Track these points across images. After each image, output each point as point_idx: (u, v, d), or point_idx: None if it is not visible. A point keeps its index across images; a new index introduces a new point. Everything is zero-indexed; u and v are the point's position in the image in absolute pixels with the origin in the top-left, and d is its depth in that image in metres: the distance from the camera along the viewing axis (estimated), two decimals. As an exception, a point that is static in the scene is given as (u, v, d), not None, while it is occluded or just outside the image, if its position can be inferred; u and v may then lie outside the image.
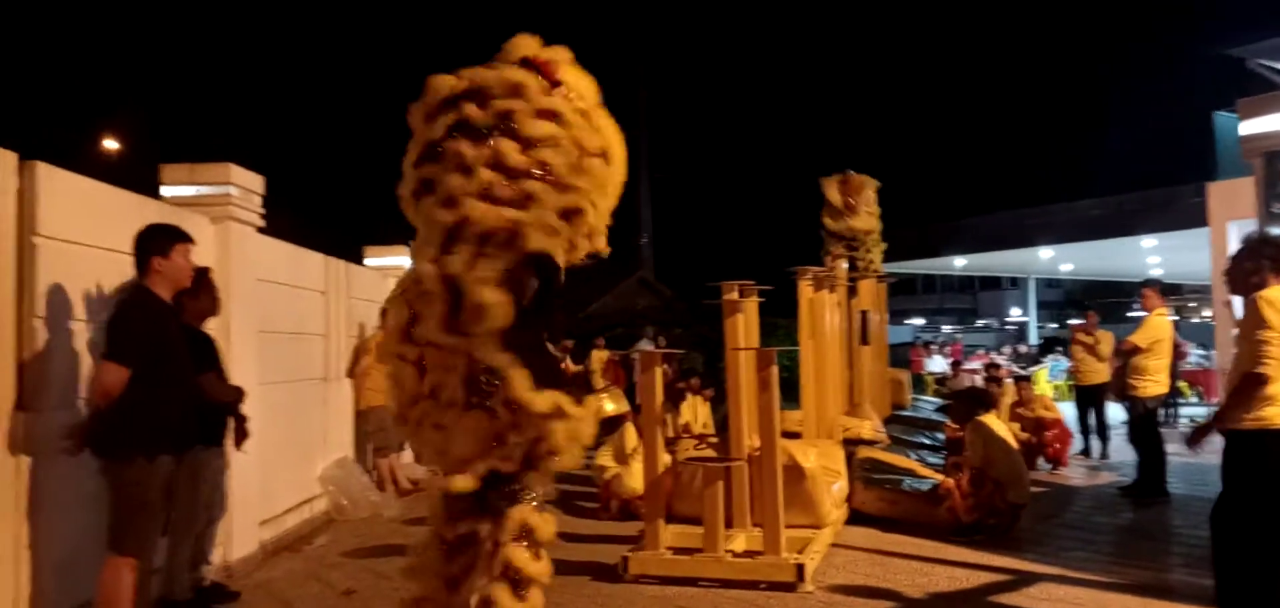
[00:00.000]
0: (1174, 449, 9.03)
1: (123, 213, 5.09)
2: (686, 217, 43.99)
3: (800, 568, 5.62)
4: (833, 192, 11.64)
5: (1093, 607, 5.24)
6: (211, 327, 5.63)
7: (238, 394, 5.37)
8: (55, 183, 4.61)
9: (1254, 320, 4.50)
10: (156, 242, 4.41)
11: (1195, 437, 4.58)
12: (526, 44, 4.13)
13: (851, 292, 11.27)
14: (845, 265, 11.13)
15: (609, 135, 3.93)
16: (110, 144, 23.29)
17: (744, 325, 6.61)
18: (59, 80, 33.18)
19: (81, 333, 4.69)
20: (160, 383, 4.27)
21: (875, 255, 12.02)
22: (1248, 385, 4.44)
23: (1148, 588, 5.59)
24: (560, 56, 4.09)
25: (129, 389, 4.15)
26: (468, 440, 3.80)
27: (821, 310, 8.73)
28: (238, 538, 6.21)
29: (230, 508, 6.10)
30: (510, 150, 3.52)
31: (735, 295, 6.83)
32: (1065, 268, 28.14)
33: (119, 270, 4.90)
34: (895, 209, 12.41)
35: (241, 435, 5.40)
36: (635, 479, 7.89)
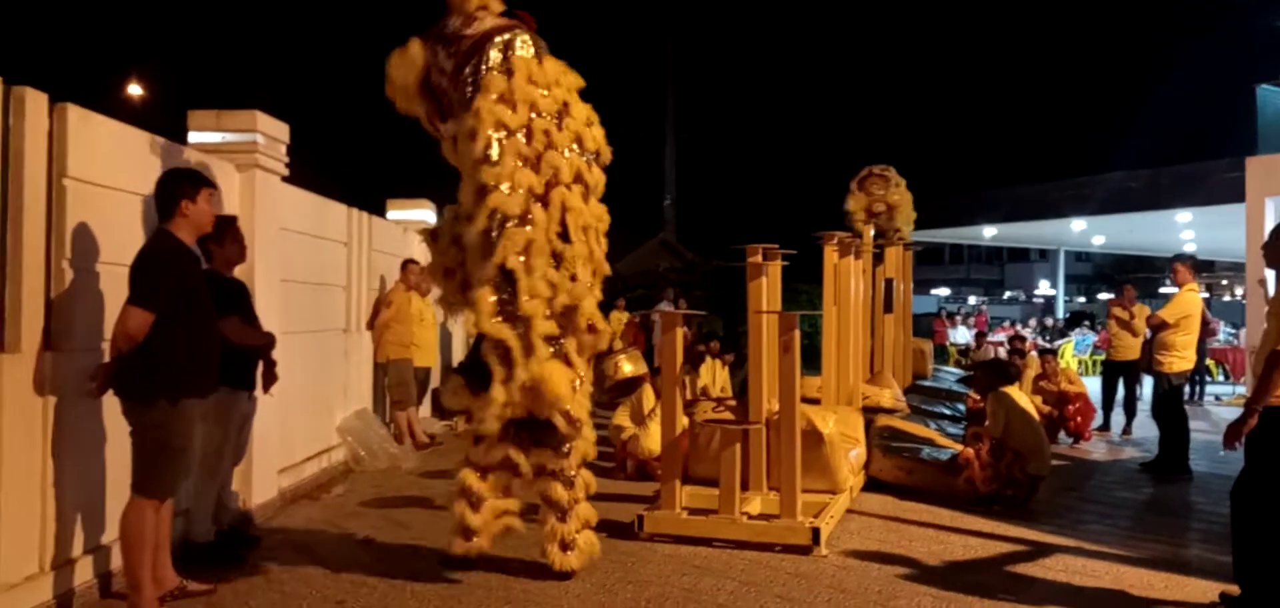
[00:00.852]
0: (1197, 427, 8.96)
1: (151, 157, 5.12)
2: (711, 179, 43.75)
3: (816, 532, 5.63)
4: (858, 210, 11.56)
5: (1109, 579, 5.21)
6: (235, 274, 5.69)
7: (268, 339, 5.41)
8: (86, 126, 4.65)
9: (1284, 297, 4.42)
10: (185, 186, 4.43)
11: (1232, 437, 4.50)
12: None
13: (877, 259, 11.20)
14: (872, 232, 11.05)
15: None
16: (134, 89, 23.35)
17: (767, 289, 6.57)
18: (81, 24, 33.29)
19: (108, 275, 4.73)
20: (184, 327, 4.31)
21: (902, 224, 11.93)
22: (1273, 364, 4.37)
23: (1165, 562, 5.55)
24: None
25: (153, 333, 4.19)
26: (562, 384, 4.74)
27: (846, 277, 8.67)
28: (258, 484, 6.30)
29: (251, 454, 6.19)
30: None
31: (759, 259, 6.80)
32: (1097, 241, 27.77)
33: (147, 214, 4.95)
34: (926, 177, 12.29)
35: (270, 379, 5.43)
36: (652, 440, 7.91)
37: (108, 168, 4.82)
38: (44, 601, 4.27)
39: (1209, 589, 4.89)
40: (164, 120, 5.49)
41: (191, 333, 4.39)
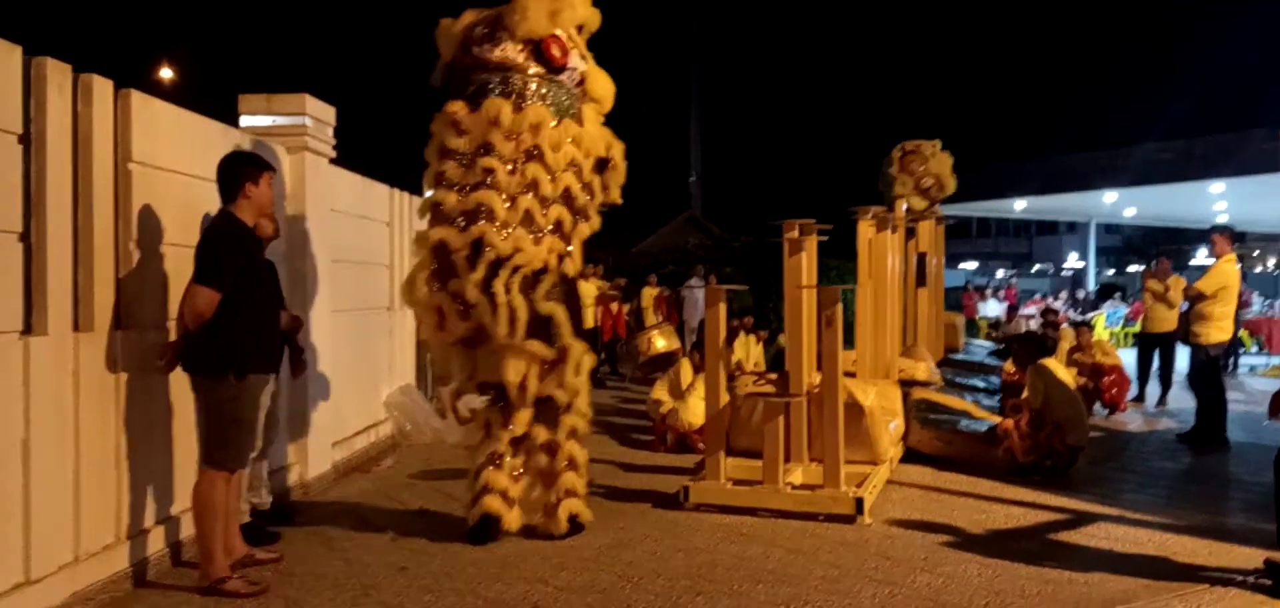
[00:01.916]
0: (1232, 397, 8.95)
1: (209, 141, 5.26)
2: (736, 155, 43.73)
3: (860, 502, 5.72)
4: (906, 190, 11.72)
5: (1153, 547, 5.27)
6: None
7: (295, 323, 5.47)
8: (147, 111, 4.78)
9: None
10: (249, 169, 4.56)
11: (1276, 405, 4.53)
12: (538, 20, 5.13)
13: (909, 233, 11.22)
14: (904, 207, 11.07)
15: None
16: (165, 73, 23.53)
17: (807, 265, 6.65)
18: (102, 8, 33.57)
19: (172, 256, 4.88)
20: (249, 305, 4.46)
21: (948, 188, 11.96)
22: None
23: (1207, 530, 5.60)
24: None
25: (220, 311, 4.33)
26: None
27: (882, 252, 8.71)
28: (313, 458, 6.48)
29: (308, 429, 6.38)
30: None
31: (796, 235, 6.86)
32: (1128, 213, 27.52)
33: (207, 197, 5.09)
34: (955, 150, 12.28)
35: (299, 366, 5.46)
36: (691, 413, 8.03)
37: (169, 152, 4.95)
38: (121, 569, 4.44)
39: (1253, 556, 4.92)
40: (195, 104, 5.60)
41: (256, 310, 4.54)
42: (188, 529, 4.80)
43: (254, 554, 4.77)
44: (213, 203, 4.75)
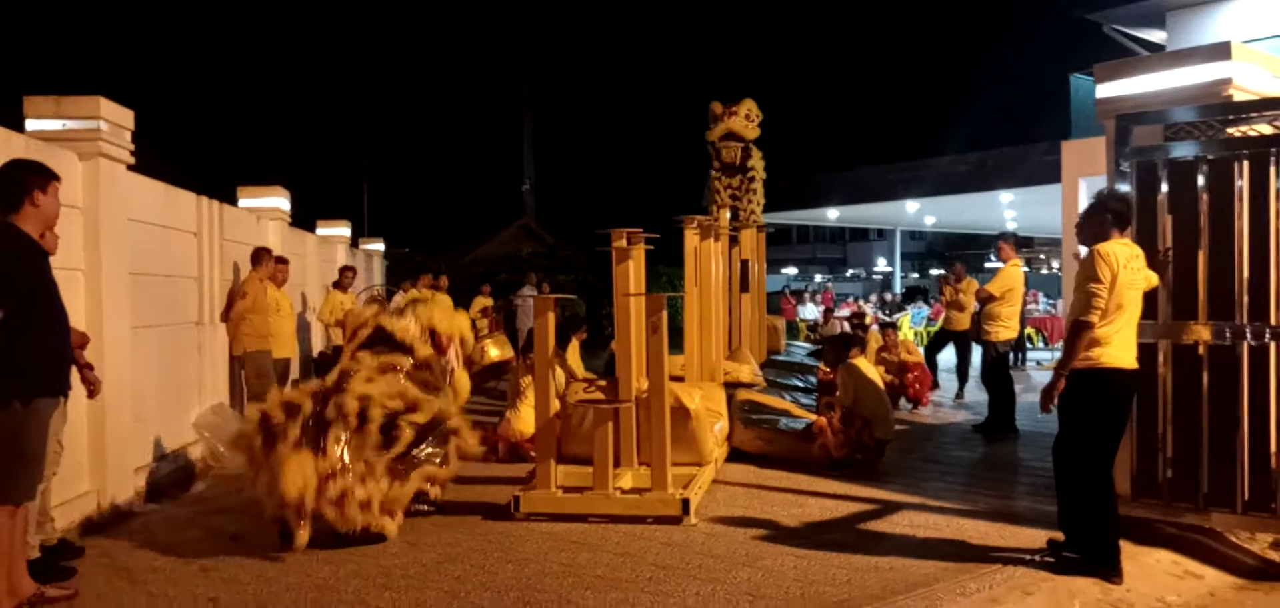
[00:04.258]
0: (1020, 389, 9.79)
1: (-13, 146, 4.83)
2: (569, 163, 43.96)
3: (686, 503, 5.89)
4: (716, 105, 12.14)
5: (950, 532, 5.70)
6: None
7: (83, 341, 5.06)
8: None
9: (1087, 272, 4.89)
10: (36, 177, 4.21)
11: (1046, 401, 4.93)
12: None
13: (733, 241, 11.62)
14: (728, 215, 11.45)
15: None
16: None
17: (634, 273, 6.77)
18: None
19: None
20: (37, 324, 4.12)
21: (756, 205, 12.40)
22: (1076, 332, 4.85)
23: (998, 514, 6.10)
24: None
25: (2, 332, 3.98)
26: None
27: (707, 259, 8.98)
28: (114, 484, 6.05)
29: (107, 453, 5.96)
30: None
31: (624, 243, 6.98)
32: (929, 221, 29.52)
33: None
34: (774, 161, 12.83)
35: (90, 385, 4.94)
36: (523, 422, 8.01)
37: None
38: (-117, 619, 4.01)
39: (1037, 537, 5.40)
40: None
41: (44, 331, 4.20)
42: (-35, 570, 4.36)
43: (44, 592, 4.40)
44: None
